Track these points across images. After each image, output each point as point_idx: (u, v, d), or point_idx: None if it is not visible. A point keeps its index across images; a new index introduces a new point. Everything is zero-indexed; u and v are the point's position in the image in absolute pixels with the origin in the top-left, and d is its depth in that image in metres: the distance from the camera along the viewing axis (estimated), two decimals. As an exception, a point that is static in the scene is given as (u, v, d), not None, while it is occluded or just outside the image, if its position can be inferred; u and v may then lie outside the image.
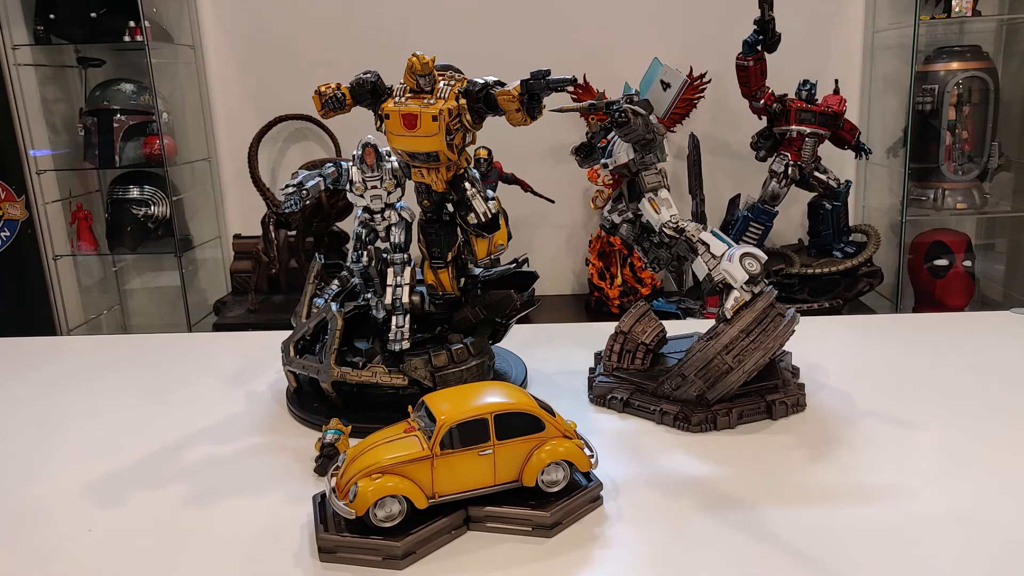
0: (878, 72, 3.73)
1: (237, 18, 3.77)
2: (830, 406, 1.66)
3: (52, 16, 3.52)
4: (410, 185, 1.66)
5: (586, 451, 1.28)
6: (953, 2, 3.38)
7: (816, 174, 3.24)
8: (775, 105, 3.17)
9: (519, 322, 1.85)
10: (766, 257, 1.59)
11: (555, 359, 1.95)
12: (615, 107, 1.58)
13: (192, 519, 1.31)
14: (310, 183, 1.59)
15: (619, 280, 3.52)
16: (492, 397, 1.25)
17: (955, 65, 3.49)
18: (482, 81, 1.53)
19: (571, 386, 1.79)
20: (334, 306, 1.69)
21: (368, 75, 1.57)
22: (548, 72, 1.49)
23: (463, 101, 1.52)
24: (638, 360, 1.72)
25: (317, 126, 3.79)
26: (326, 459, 1.40)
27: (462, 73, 1.57)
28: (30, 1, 3.55)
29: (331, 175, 1.62)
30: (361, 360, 1.63)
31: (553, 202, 3.61)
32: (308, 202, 1.60)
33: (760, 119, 3.28)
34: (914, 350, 2.00)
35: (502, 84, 1.53)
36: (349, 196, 1.65)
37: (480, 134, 1.61)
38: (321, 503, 1.25)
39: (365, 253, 1.67)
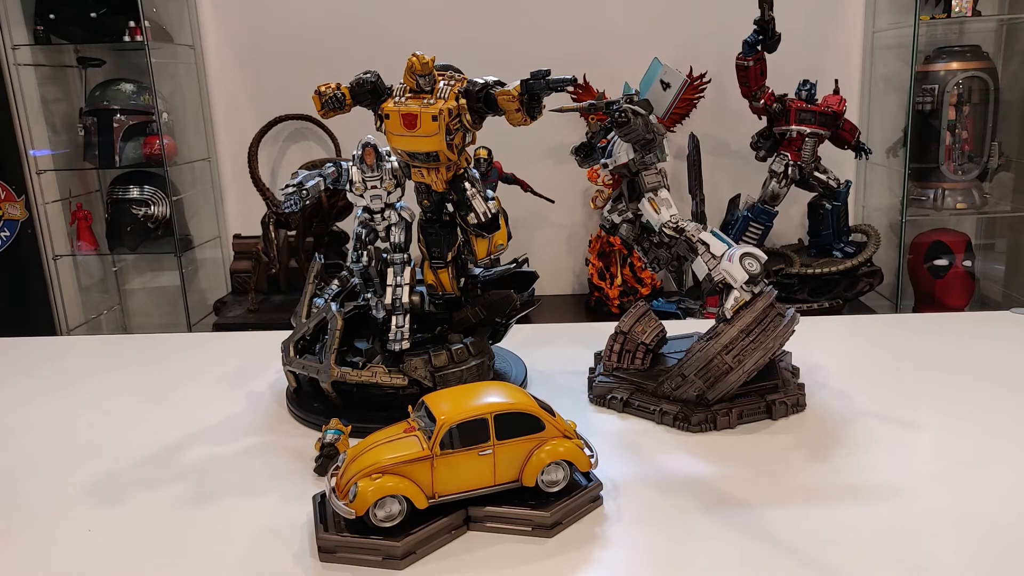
0: (878, 72, 3.73)
1: (237, 18, 3.77)
2: (830, 406, 1.66)
3: (52, 16, 3.52)
4: (410, 185, 1.66)
5: (586, 451, 1.28)
6: (953, 2, 3.38)
7: (816, 174, 3.25)
8: (775, 105, 3.18)
9: (519, 322, 1.85)
10: (766, 257, 1.59)
11: (555, 359, 1.95)
12: (615, 107, 1.58)
13: (192, 519, 1.31)
14: (310, 183, 1.59)
15: (619, 280, 3.52)
16: (492, 397, 1.25)
17: (955, 65, 3.49)
18: (482, 81, 1.53)
19: (571, 386, 1.79)
20: (334, 306, 1.69)
21: (368, 75, 1.57)
22: (548, 72, 1.49)
23: (463, 101, 1.52)
24: (638, 360, 1.72)
25: (317, 126, 3.80)
26: (326, 459, 1.40)
27: (462, 73, 1.57)
28: (30, 1, 3.55)
29: (331, 175, 1.62)
30: (361, 360, 1.63)
31: (553, 202, 3.61)
32: (308, 202, 1.60)
33: (760, 119, 3.29)
34: (914, 350, 2.00)
35: (502, 84, 1.53)
36: (349, 196, 1.65)
37: (480, 134, 1.61)
38: (321, 503, 1.25)
39: (365, 253, 1.67)
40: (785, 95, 3.20)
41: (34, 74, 3.65)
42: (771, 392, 1.62)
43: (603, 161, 1.71)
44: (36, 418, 1.75)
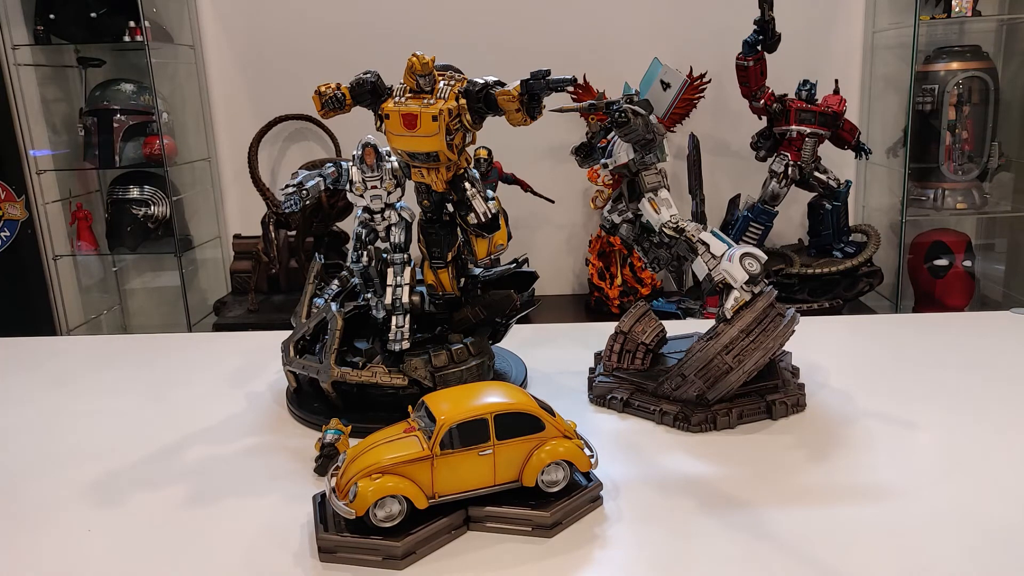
0: (878, 72, 3.73)
1: (237, 18, 3.77)
2: (830, 406, 1.66)
3: (52, 16, 3.52)
4: (410, 185, 1.66)
5: (586, 451, 1.28)
6: (953, 2, 3.39)
7: (816, 174, 3.24)
8: (775, 105, 3.18)
9: (519, 322, 1.85)
10: (766, 257, 1.59)
11: (555, 359, 1.95)
12: (615, 107, 1.58)
13: (192, 519, 1.31)
14: (310, 183, 1.59)
15: (619, 280, 3.52)
16: (492, 397, 1.25)
17: (955, 65, 3.49)
18: (482, 81, 1.53)
19: (571, 386, 1.79)
20: (334, 306, 1.69)
21: (368, 75, 1.57)
22: (548, 72, 1.49)
23: (463, 101, 1.52)
24: (638, 360, 1.72)
25: (317, 126, 3.80)
26: (326, 459, 1.40)
27: (462, 73, 1.57)
28: (30, 1, 3.55)
29: (331, 175, 1.62)
30: (361, 360, 1.63)
31: (553, 202, 3.61)
32: (308, 202, 1.60)
33: (760, 119, 3.29)
34: (914, 350, 2.00)
35: (502, 84, 1.53)
36: (349, 196, 1.65)
37: (480, 134, 1.61)
38: (321, 503, 1.25)
39: (365, 253, 1.67)
40: (785, 95, 3.20)
41: (34, 74, 3.65)
42: (771, 392, 1.62)
43: (603, 161, 1.71)
44: (36, 418, 1.75)
